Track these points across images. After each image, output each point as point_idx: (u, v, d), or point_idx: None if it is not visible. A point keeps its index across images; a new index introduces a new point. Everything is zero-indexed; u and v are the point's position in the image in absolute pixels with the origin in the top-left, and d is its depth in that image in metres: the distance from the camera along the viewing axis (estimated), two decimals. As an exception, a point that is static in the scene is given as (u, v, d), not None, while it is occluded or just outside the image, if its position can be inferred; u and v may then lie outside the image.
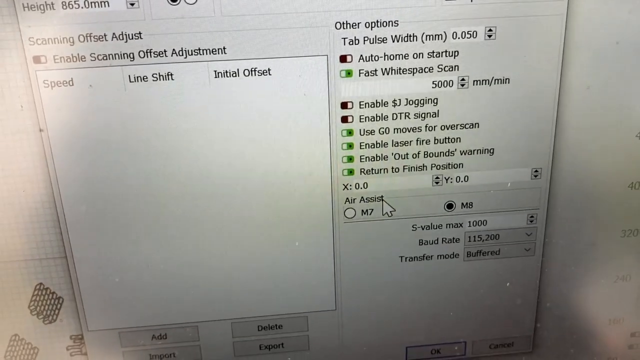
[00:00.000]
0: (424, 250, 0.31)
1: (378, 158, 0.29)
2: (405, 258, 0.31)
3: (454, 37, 0.27)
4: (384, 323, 0.32)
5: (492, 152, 0.29)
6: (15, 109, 0.26)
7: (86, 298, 0.30)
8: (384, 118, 0.28)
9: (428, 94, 0.28)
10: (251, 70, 0.26)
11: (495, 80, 0.28)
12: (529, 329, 0.33)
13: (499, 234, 0.31)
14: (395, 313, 0.32)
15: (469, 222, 0.30)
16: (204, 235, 0.29)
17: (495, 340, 0.33)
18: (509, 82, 0.28)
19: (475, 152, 0.29)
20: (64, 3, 0.25)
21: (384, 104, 0.28)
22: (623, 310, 0.33)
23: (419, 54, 0.27)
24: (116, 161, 0.27)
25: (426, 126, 0.28)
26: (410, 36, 0.27)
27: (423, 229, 0.30)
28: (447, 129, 0.28)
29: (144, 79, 0.26)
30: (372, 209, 0.30)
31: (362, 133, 0.28)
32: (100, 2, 0.25)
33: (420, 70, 0.27)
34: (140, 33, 0.25)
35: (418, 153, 0.29)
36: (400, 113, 0.28)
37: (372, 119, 0.28)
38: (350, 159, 0.29)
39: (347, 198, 0.29)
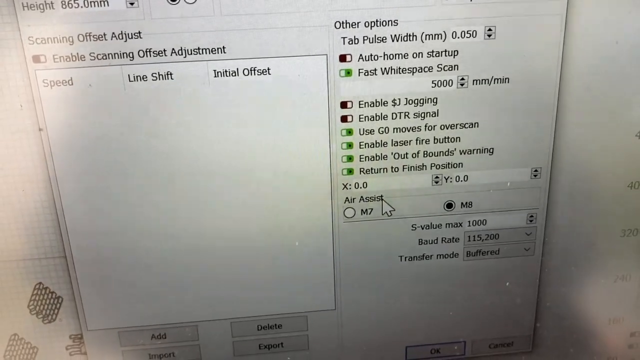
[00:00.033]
0: (423, 249, 0.31)
1: (378, 157, 0.29)
2: (405, 258, 0.31)
3: (454, 36, 0.27)
4: (384, 323, 0.32)
5: (492, 152, 0.29)
6: (15, 108, 0.26)
7: (85, 297, 0.30)
8: (384, 117, 0.28)
9: (428, 93, 0.28)
10: (251, 70, 0.26)
11: (494, 79, 0.28)
12: (529, 328, 0.33)
13: (499, 234, 0.31)
14: (395, 313, 0.32)
15: (469, 221, 0.30)
16: (204, 234, 0.29)
17: (494, 340, 0.33)
18: (508, 82, 0.28)
19: (475, 151, 0.29)
20: (63, 2, 0.25)
21: (384, 104, 0.28)
22: (623, 309, 0.33)
23: (419, 53, 0.27)
24: (115, 160, 0.27)
25: (426, 126, 0.28)
26: (409, 36, 0.27)
27: (422, 229, 0.30)
28: (447, 128, 0.28)
29: (143, 78, 0.26)
30: (372, 209, 0.30)
31: (361, 132, 0.28)
32: (100, 1, 0.25)
33: (420, 70, 0.27)
34: (139, 32, 0.25)
35: (417, 152, 0.29)
36: (400, 112, 0.28)
37: (372, 119, 0.28)
38: (350, 158, 0.29)
39: (347, 197, 0.29)
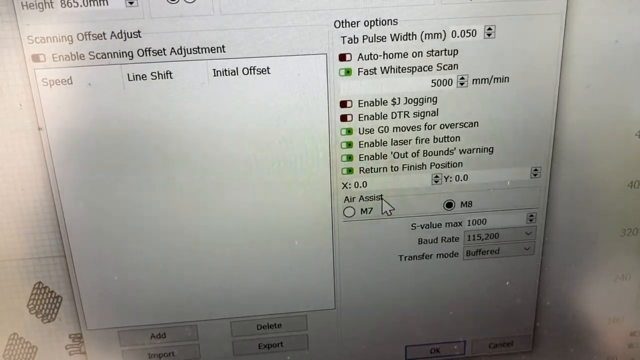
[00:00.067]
0: (423, 249, 0.31)
1: (377, 157, 0.29)
2: (405, 257, 0.31)
3: (453, 35, 0.27)
4: (383, 322, 0.32)
5: (492, 151, 0.29)
6: (14, 108, 0.26)
7: (85, 297, 0.30)
8: (383, 117, 0.28)
9: (427, 92, 0.28)
10: (250, 69, 0.26)
11: (494, 79, 0.28)
12: (529, 328, 0.33)
13: (499, 233, 0.31)
14: (395, 312, 0.32)
15: (469, 221, 0.30)
16: (203, 234, 0.29)
17: (494, 340, 0.33)
18: (508, 81, 0.28)
19: (475, 151, 0.29)
20: (63, 1, 0.25)
21: (383, 103, 0.28)
22: (623, 309, 0.33)
23: (418, 52, 0.27)
24: (115, 160, 0.27)
25: (425, 125, 0.28)
26: (409, 35, 0.27)
27: (422, 228, 0.30)
28: (447, 127, 0.28)
29: (142, 77, 0.26)
30: (372, 208, 0.30)
31: (361, 132, 0.28)
32: (100, 0, 0.25)
33: (420, 69, 0.27)
34: (139, 31, 0.25)
35: (417, 152, 0.29)
36: (400, 112, 0.28)
37: (372, 118, 0.28)
38: (350, 157, 0.29)
39: (347, 197, 0.29)
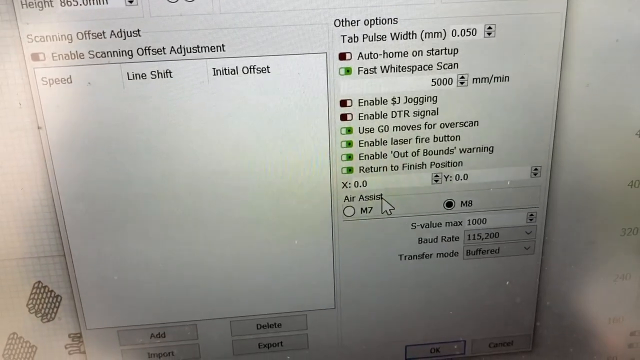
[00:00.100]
0: (423, 248, 0.31)
1: (377, 156, 0.29)
2: (405, 256, 0.31)
3: (454, 34, 0.27)
4: (383, 322, 0.32)
5: (492, 150, 0.29)
6: (14, 107, 0.26)
7: (85, 296, 0.30)
8: (383, 116, 0.28)
9: (427, 91, 0.28)
10: (250, 68, 0.26)
11: (494, 78, 0.28)
12: (529, 327, 0.33)
13: (499, 233, 0.31)
14: (395, 312, 0.32)
15: (469, 220, 0.30)
16: (203, 233, 0.29)
17: (494, 339, 0.33)
18: (508, 80, 0.28)
19: (475, 150, 0.29)
20: (62, 0, 0.25)
21: (383, 102, 0.28)
22: (623, 309, 0.33)
23: (419, 51, 0.27)
24: (115, 159, 0.27)
25: (425, 124, 0.28)
26: (409, 34, 0.27)
27: (422, 227, 0.30)
28: (447, 127, 0.28)
29: (142, 76, 0.26)
30: (371, 207, 0.29)
31: (361, 131, 0.28)
32: (99, -1, 0.25)
33: (420, 68, 0.27)
34: (138, 30, 0.25)
35: (417, 151, 0.29)
36: (400, 111, 0.28)
37: (372, 117, 0.28)
38: (350, 157, 0.28)
39: (347, 196, 0.29)
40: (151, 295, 0.30)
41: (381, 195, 0.29)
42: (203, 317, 0.31)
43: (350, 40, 0.26)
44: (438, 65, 0.27)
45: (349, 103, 0.28)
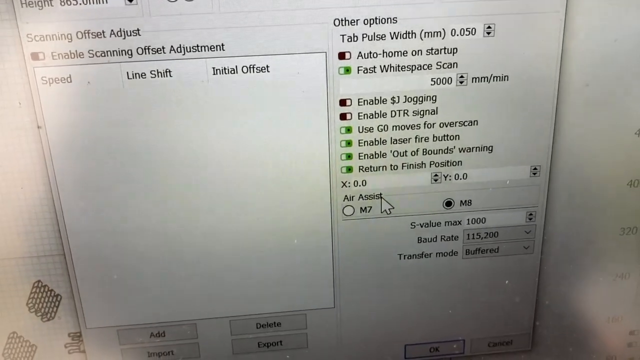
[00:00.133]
0: (422, 248, 0.31)
1: (377, 155, 0.29)
2: (404, 256, 0.31)
3: (453, 34, 0.27)
4: (383, 321, 0.32)
5: (491, 150, 0.29)
6: (14, 106, 0.26)
7: (84, 295, 0.30)
8: (383, 115, 0.28)
9: (427, 91, 0.28)
10: (249, 67, 0.26)
11: (494, 77, 0.28)
12: (528, 327, 0.33)
13: (498, 232, 0.31)
14: (394, 311, 0.32)
15: (468, 219, 0.30)
16: (202, 232, 0.29)
17: (494, 338, 0.33)
18: (507, 80, 0.28)
19: (474, 149, 0.29)
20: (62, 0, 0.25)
21: (383, 101, 0.28)
22: (622, 308, 0.33)
23: (418, 51, 0.27)
24: (114, 158, 0.27)
25: (425, 123, 0.28)
26: (408, 33, 0.27)
27: (422, 227, 0.30)
28: (446, 126, 0.28)
29: (142, 75, 0.26)
30: (371, 207, 0.30)
31: (360, 130, 0.28)
32: (99, -2, 0.25)
33: (419, 68, 0.27)
34: (138, 30, 0.25)
35: (417, 150, 0.29)
36: (399, 110, 0.28)
37: (371, 116, 0.28)
38: (349, 156, 0.29)
39: (346, 195, 0.29)
40: (151, 294, 0.30)
41: (380, 194, 0.29)
42: (203, 317, 0.31)
43: (349, 40, 0.26)
44: (437, 64, 0.27)
45: (348, 102, 0.28)
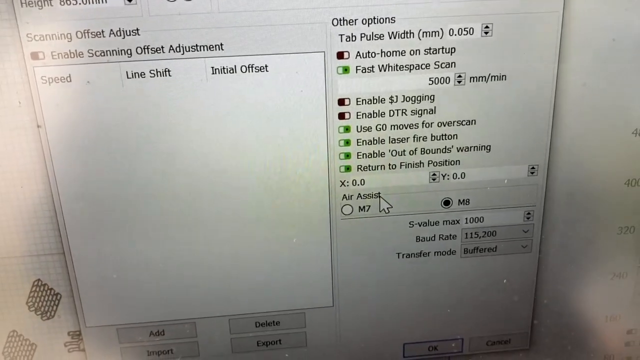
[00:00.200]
0: (420, 246, 0.31)
1: (375, 155, 0.29)
2: (402, 255, 0.31)
3: (451, 34, 0.27)
4: (381, 319, 0.32)
5: (489, 149, 0.29)
6: (13, 105, 0.26)
7: (84, 294, 0.30)
8: (381, 115, 0.28)
9: (425, 90, 0.28)
10: (248, 67, 0.26)
11: (491, 77, 0.28)
12: (526, 325, 0.33)
13: (496, 231, 0.31)
14: (393, 310, 0.32)
15: (466, 218, 0.30)
16: (202, 232, 0.29)
17: (492, 337, 0.33)
18: (505, 79, 0.28)
19: (472, 149, 0.29)
20: (61, -1, 0.25)
21: (381, 101, 0.28)
22: (620, 307, 0.33)
23: (416, 50, 0.27)
24: (114, 157, 0.27)
25: (423, 123, 0.28)
26: (407, 33, 0.27)
27: (420, 226, 0.30)
28: (444, 125, 0.28)
29: (141, 75, 0.26)
30: (369, 206, 0.30)
31: (359, 129, 0.28)
32: (98, -2, 0.25)
33: (417, 67, 0.27)
34: (137, 29, 0.25)
35: (415, 150, 0.29)
36: (397, 110, 0.28)
37: (369, 116, 0.28)
38: (347, 155, 0.29)
39: (345, 195, 0.29)
40: (150, 293, 0.30)
41: (379, 193, 0.29)
42: (202, 315, 0.31)
43: (348, 39, 0.26)
44: (435, 64, 0.27)
45: (346, 102, 0.28)
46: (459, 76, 0.28)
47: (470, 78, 0.28)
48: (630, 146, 0.30)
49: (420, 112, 0.28)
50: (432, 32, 0.27)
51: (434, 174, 0.29)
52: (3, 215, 0.28)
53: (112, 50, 0.26)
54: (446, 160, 0.29)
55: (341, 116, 0.28)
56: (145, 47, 0.26)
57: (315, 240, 0.30)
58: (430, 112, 0.28)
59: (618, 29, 0.27)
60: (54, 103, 0.26)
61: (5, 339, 0.30)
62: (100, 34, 0.25)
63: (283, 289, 0.31)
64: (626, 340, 0.34)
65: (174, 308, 0.31)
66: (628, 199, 0.31)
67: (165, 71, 0.26)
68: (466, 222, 0.30)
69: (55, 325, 0.30)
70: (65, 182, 0.28)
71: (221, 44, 0.26)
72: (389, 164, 0.29)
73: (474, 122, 0.29)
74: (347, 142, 0.28)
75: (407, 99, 0.28)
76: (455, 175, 0.29)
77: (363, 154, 0.29)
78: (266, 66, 0.26)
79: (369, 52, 0.27)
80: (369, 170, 0.29)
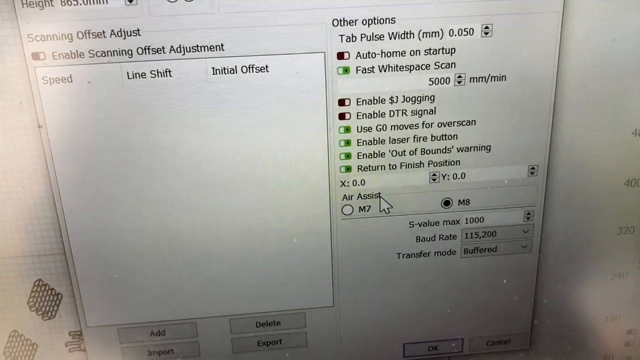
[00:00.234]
0: (421, 247, 0.31)
1: (375, 155, 0.29)
2: (403, 255, 0.31)
3: (451, 34, 0.27)
4: (382, 319, 0.32)
5: (489, 149, 0.29)
6: (14, 106, 0.26)
7: (85, 294, 0.30)
8: (381, 115, 0.28)
9: (425, 91, 0.28)
10: (249, 67, 0.26)
11: (491, 77, 0.28)
12: (526, 325, 0.33)
13: (496, 231, 0.31)
14: (393, 309, 0.32)
15: (466, 219, 0.30)
16: (202, 232, 0.29)
17: (492, 337, 0.33)
18: (505, 79, 0.28)
19: (472, 149, 0.29)
20: (62, 0, 0.25)
21: (381, 101, 0.28)
22: (620, 307, 0.33)
23: (416, 51, 0.27)
24: (114, 157, 0.27)
25: (423, 123, 0.28)
26: (407, 33, 0.27)
27: (420, 226, 0.30)
28: (444, 126, 0.29)
29: (142, 75, 0.26)
30: (370, 206, 0.30)
31: (359, 130, 0.28)
32: (99, -1, 0.25)
33: (417, 68, 0.27)
34: (138, 30, 0.26)
35: (415, 150, 0.29)
36: (398, 110, 0.28)
37: (369, 116, 0.28)
38: (348, 155, 0.29)
39: (345, 195, 0.29)
40: (151, 293, 0.30)
41: (379, 193, 0.30)
42: (203, 315, 0.31)
43: (348, 40, 0.27)
44: (435, 64, 0.27)
45: (347, 102, 0.28)
46: (459, 76, 0.28)
47: (470, 78, 0.28)
48: (630, 146, 0.30)
49: (420, 112, 0.28)
50: (432, 32, 0.27)
51: (434, 174, 0.29)
52: (4, 216, 0.28)
53: (113, 51, 0.26)
54: (446, 161, 0.29)
55: (341, 116, 0.28)
56: (146, 47, 0.26)
57: (315, 240, 0.30)
58: (431, 112, 0.28)
59: (618, 29, 0.27)
60: (55, 103, 0.26)
61: (7, 339, 0.30)
62: (101, 34, 0.25)
63: (283, 289, 0.31)
64: (626, 340, 0.34)
65: (174, 308, 0.31)
66: (628, 199, 0.31)
67: (166, 71, 0.26)
68: (466, 223, 0.30)
69: (56, 325, 0.31)
70: (66, 182, 0.28)
71: (222, 45, 0.26)
72: (389, 164, 0.29)
73: (474, 122, 0.29)
74: (348, 143, 0.28)
75: (407, 99, 0.28)
76: (455, 175, 0.29)
77: (363, 154, 0.29)
78: (267, 67, 0.27)
79: (369, 53, 0.27)
80: (369, 170, 0.29)
